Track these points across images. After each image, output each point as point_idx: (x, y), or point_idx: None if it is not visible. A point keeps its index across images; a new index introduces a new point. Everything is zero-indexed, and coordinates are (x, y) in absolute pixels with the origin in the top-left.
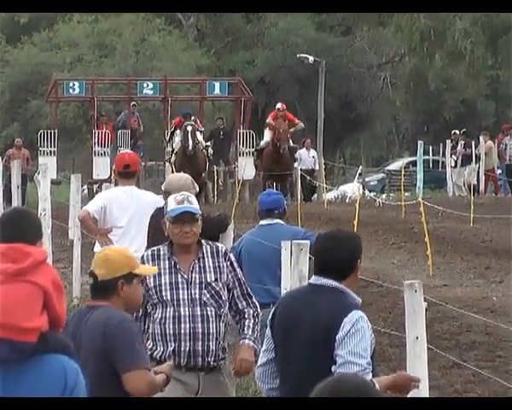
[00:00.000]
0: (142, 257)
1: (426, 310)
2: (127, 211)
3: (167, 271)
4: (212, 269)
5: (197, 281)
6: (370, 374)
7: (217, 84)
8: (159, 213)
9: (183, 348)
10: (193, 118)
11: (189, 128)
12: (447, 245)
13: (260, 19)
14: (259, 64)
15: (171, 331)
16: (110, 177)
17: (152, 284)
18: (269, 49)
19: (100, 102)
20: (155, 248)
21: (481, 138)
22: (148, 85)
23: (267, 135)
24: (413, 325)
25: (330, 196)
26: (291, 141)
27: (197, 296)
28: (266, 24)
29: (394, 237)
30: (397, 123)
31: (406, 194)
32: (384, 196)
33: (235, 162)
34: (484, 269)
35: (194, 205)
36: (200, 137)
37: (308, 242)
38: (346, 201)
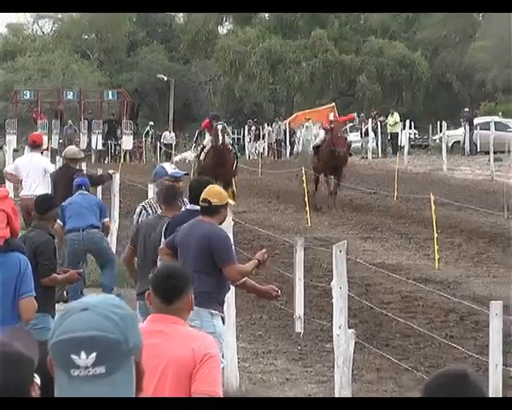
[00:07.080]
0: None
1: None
2: (28, 168)
3: None
4: None
5: None
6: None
7: (110, 93)
8: (58, 171)
9: None
10: (220, 121)
11: (220, 126)
12: (247, 188)
13: (136, 54)
14: (135, 81)
15: None
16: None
17: None
18: (141, 72)
19: (42, 103)
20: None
21: (265, 125)
22: (70, 93)
23: (321, 134)
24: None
25: (176, 159)
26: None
27: None
28: (139, 57)
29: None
30: None
31: None
32: None
33: (120, 139)
34: (267, 202)
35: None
36: (228, 138)
37: None
38: (186, 162)
